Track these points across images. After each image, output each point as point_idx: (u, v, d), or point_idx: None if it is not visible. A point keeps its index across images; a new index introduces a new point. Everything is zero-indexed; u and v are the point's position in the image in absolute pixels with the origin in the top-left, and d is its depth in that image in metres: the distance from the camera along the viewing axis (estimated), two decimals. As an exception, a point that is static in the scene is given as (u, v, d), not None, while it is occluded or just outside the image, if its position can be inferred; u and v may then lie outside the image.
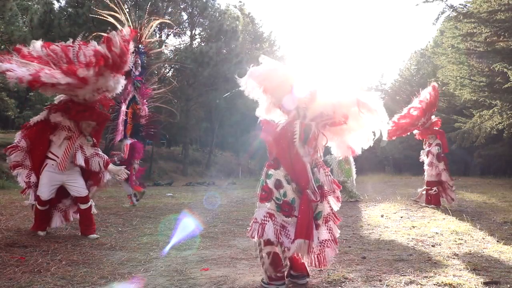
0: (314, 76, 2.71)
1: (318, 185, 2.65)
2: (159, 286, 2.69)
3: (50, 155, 4.04)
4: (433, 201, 6.70)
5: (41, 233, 4.13)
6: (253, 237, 2.54)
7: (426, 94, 6.78)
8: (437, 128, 6.95)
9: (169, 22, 5.69)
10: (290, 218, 2.57)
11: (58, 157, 4.00)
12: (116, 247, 3.86)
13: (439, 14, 12.99)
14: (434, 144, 6.80)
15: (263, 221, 2.52)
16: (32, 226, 4.25)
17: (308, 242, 2.47)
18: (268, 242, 2.54)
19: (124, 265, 3.23)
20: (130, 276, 2.90)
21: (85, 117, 4.08)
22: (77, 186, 4.17)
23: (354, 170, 8.24)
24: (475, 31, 12.91)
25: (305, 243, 2.46)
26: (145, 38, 5.93)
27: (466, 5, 13.63)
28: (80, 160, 4.02)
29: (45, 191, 4.01)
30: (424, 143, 7.12)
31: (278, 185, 2.60)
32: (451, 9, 12.82)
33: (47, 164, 4.03)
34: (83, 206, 4.23)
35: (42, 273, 2.90)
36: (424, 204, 6.77)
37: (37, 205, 4.08)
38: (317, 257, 2.66)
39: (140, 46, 5.77)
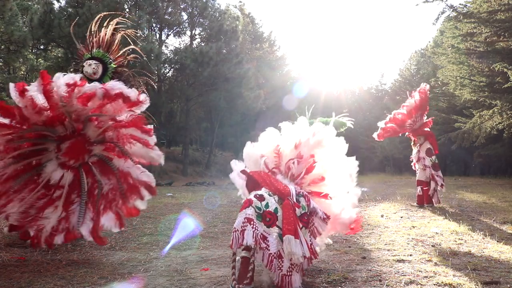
0: (273, 135, 2.95)
1: (304, 212, 2.65)
2: (159, 286, 2.69)
3: None
4: (426, 200, 6.76)
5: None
6: (233, 248, 2.44)
7: (414, 96, 6.81)
8: (428, 130, 6.91)
9: (124, 20, 4.58)
10: (272, 228, 2.51)
11: None
12: (116, 247, 3.86)
13: (439, 14, 13.04)
14: (425, 150, 6.77)
15: (242, 227, 2.42)
16: (22, 233, 3.75)
17: (299, 241, 2.43)
18: (246, 248, 2.47)
19: (124, 265, 3.23)
20: (130, 276, 2.90)
21: None
22: None
23: None
24: (475, 31, 12.93)
25: (295, 242, 2.41)
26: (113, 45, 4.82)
27: (466, 5, 13.66)
28: None
29: None
30: (413, 144, 7.11)
31: (260, 197, 2.59)
32: (451, 9, 12.85)
33: None
34: None
35: (42, 273, 2.90)
36: (425, 205, 6.76)
37: None
38: (283, 277, 2.46)
39: (106, 55, 4.55)
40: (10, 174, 3.09)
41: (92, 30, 4.47)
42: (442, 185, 6.64)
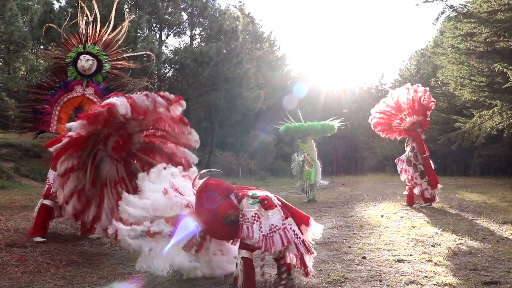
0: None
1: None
2: (159, 286, 2.69)
3: None
4: (423, 199, 6.84)
5: (38, 239, 3.85)
6: (278, 248, 2.40)
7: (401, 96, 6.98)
8: (417, 130, 6.99)
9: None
10: (289, 219, 2.54)
11: None
12: (116, 247, 3.86)
13: (439, 14, 13.05)
14: (409, 150, 6.94)
15: (284, 225, 2.46)
16: (31, 231, 3.97)
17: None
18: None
19: (124, 265, 3.23)
20: (130, 276, 2.91)
21: None
22: None
23: (316, 173, 8.31)
24: (475, 31, 12.94)
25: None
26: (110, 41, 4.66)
27: (466, 5, 13.65)
28: None
29: None
30: (406, 143, 7.22)
31: (266, 195, 2.65)
32: (451, 9, 12.85)
33: None
34: None
35: (42, 273, 2.90)
36: (424, 205, 6.76)
37: (47, 200, 3.97)
38: (300, 258, 2.60)
39: (100, 51, 4.54)
40: (89, 184, 3.37)
41: (82, 22, 4.52)
42: (408, 185, 6.92)
